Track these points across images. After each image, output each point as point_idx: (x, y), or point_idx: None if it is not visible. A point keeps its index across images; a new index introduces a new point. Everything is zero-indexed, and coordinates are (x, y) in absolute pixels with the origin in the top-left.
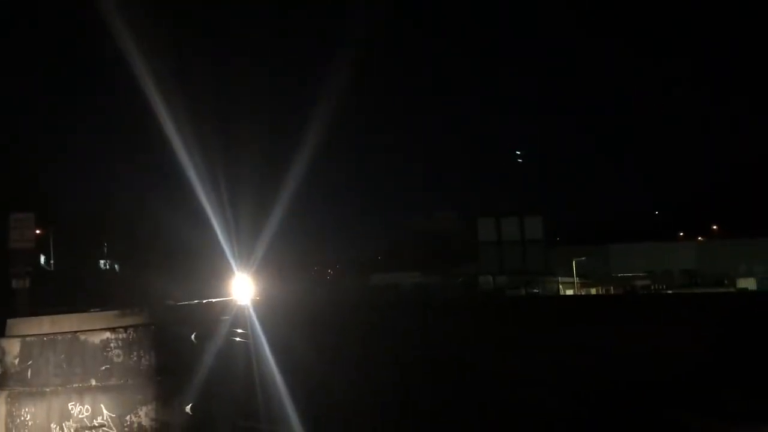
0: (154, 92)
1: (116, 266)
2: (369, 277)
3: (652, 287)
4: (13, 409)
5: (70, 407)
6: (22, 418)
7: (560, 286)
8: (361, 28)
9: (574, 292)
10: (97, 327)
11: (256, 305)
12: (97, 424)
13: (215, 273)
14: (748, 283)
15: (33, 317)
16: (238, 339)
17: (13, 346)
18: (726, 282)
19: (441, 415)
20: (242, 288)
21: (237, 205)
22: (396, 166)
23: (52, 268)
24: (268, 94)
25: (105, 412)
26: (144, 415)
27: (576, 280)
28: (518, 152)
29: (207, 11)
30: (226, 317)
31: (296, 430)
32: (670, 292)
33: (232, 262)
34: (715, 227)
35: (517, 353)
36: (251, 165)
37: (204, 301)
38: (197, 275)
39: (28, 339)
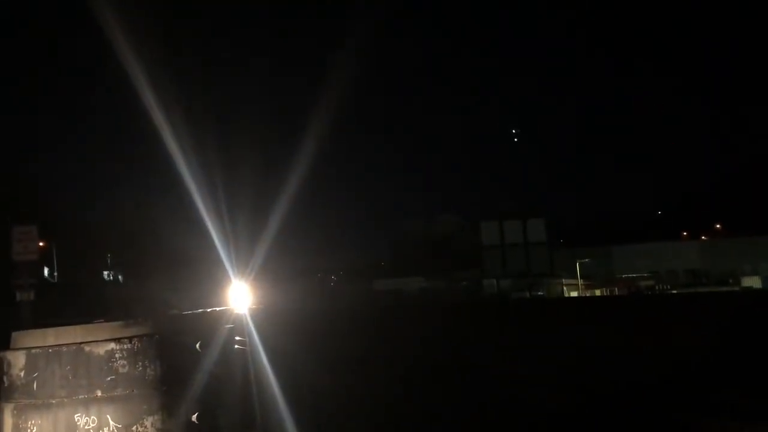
0: (152, 98)
1: (119, 277)
2: (372, 282)
3: (657, 287)
4: (20, 422)
5: (76, 419)
6: (29, 431)
7: (564, 288)
8: (361, 30)
9: (578, 293)
10: (102, 338)
11: (255, 314)
12: None
13: (213, 281)
14: (753, 282)
15: (37, 329)
16: (237, 347)
17: (19, 359)
18: (731, 281)
19: (441, 416)
20: (240, 296)
21: (235, 212)
22: (397, 170)
23: (56, 280)
24: (267, 98)
25: (111, 422)
26: (150, 425)
27: (580, 281)
28: (514, 130)
29: (205, 14)
30: (230, 325)
31: None
32: (674, 292)
33: (230, 269)
34: (718, 226)
35: (519, 353)
36: (250, 169)
37: (208, 310)
38: (198, 283)
39: (33, 351)
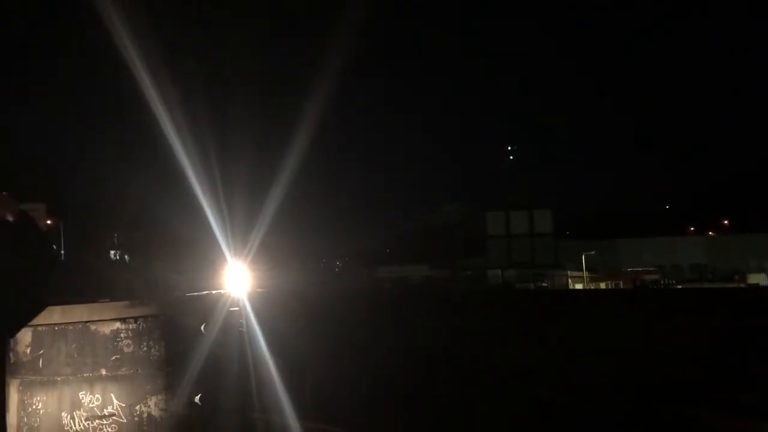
0: (146, 76)
1: (126, 257)
2: (376, 269)
3: (662, 282)
4: (25, 398)
5: (80, 396)
6: (34, 407)
7: (569, 280)
8: (362, 16)
9: (583, 286)
10: (108, 317)
11: (253, 297)
12: (107, 413)
13: (212, 262)
14: (759, 279)
15: None
16: (241, 329)
17: (25, 336)
18: (736, 277)
19: (436, 406)
20: (237, 278)
21: (236, 193)
22: (404, 158)
23: (63, 258)
24: (268, 77)
25: (115, 401)
26: (153, 405)
27: (585, 274)
28: (510, 147)
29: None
30: (236, 308)
31: (303, 419)
32: (679, 286)
33: (227, 249)
34: (725, 222)
35: (522, 347)
36: (251, 152)
37: (213, 292)
38: (201, 264)
39: (39, 328)
